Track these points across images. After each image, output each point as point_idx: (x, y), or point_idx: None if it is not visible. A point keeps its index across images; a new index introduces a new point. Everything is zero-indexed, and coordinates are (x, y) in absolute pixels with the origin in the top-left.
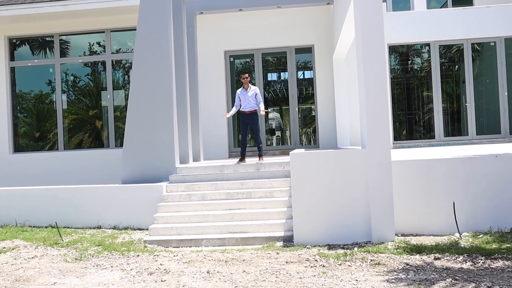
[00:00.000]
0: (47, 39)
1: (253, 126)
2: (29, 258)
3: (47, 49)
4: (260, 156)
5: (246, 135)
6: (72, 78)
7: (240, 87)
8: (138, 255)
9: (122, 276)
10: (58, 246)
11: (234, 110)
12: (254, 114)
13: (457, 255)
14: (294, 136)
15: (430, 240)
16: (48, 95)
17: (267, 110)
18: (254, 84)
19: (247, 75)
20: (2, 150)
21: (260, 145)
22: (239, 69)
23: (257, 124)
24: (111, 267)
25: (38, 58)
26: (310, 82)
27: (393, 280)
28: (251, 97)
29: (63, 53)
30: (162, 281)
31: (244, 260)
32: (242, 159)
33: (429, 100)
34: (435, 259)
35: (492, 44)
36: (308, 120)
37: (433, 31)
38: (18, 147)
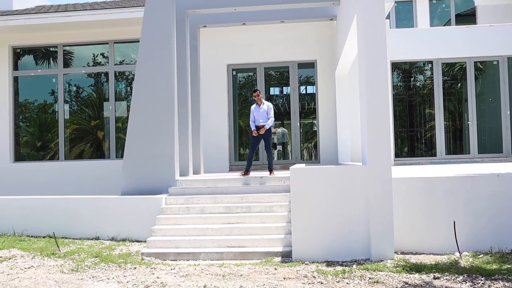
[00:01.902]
0: (51, 49)
1: (266, 140)
2: (25, 268)
3: (51, 59)
4: (270, 170)
5: (255, 149)
6: (74, 88)
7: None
8: (135, 268)
9: None
10: (55, 257)
11: (253, 126)
12: (267, 129)
13: (456, 275)
14: (295, 151)
15: (429, 259)
16: (50, 105)
17: (263, 130)
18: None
19: (258, 92)
20: (3, 159)
21: (271, 160)
22: (241, 83)
23: (270, 138)
24: (108, 279)
25: (41, 68)
26: (312, 97)
27: None
28: (263, 112)
29: (67, 64)
30: None
31: (241, 275)
32: (246, 172)
33: (431, 118)
34: (435, 278)
35: (495, 63)
36: (310, 135)
37: (436, 49)
38: (19, 156)
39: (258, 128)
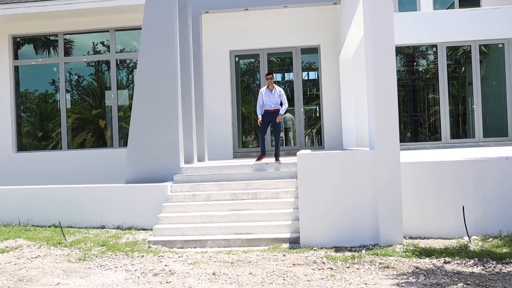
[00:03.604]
0: (51, 38)
1: (276, 125)
2: (32, 257)
3: (51, 48)
4: (277, 156)
5: (265, 132)
6: (76, 77)
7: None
8: (143, 256)
9: (127, 277)
10: (61, 246)
11: (260, 111)
12: (277, 112)
13: (467, 259)
14: (300, 137)
15: (439, 243)
16: (51, 95)
17: (280, 116)
18: (276, 83)
19: (271, 75)
20: (6, 149)
21: (279, 146)
22: (244, 69)
23: (280, 122)
24: (115, 267)
25: (42, 57)
26: (316, 83)
27: (403, 284)
28: (276, 97)
29: (67, 53)
30: (167, 282)
31: (250, 262)
32: (262, 156)
33: (435, 102)
34: (445, 262)
35: (500, 45)
36: (313, 121)
37: (440, 32)
38: (21, 146)
39: (267, 112)
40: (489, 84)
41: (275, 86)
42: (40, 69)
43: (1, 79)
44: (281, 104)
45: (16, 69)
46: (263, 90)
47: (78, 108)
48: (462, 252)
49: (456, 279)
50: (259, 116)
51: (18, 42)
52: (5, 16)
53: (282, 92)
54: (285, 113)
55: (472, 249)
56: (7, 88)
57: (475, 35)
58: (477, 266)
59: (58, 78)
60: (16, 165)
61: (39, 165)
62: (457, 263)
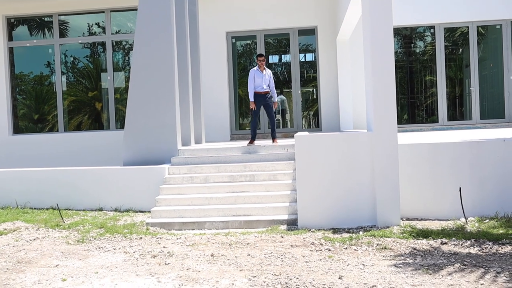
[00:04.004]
0: (45, 19)
1: (268, 107)
2: (30, 240)
3: (46, 29)
4: (274, 138)
5: (258, 116)
6: (71, 59)
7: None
8: (141, 238)
9: (125, 258)
10: (59, 228)
11: (251, 94)
12: (268, 94)
13: (464, 240)
14: (297, 119)
15: (435, 224)
16: (47, 77)
17: (276, 103)
18: (273, 65)
19: (263, 57)
20: (2, 131)
21: (275, 127)
22: (241, 51)
23: (272, 104)
24: (114, 249)
25: (36, 38)
26: (313, 64)
27: (401, 265)
28: (267, 78)
29: (62, 34)
30: (166, 264)
31: (248, 244)
32: (252, 141)
33: (432, 84)
34: (442, 243)
35: (498, 27)
36: (310, 103)
37: (438, 14)
38: (17, 129)
39: (259, 94)
40: (487, 66)
41: (265, 68)
42: (35, 51)
43: None
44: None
45: (11, 50)
46: (254, 71)
47: (74, 90)
48: (459, 233)
49: (453, 260)
50: (252, 99)
51: (12, 23)
52: None
53: (271, 75)
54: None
55: (468, 230)
56: (2, 70)
57: (473, 16)
58: (474, 247)
59: (54, 60)
60: (13, 148)
61: (35, 148)
62: (454, 244)
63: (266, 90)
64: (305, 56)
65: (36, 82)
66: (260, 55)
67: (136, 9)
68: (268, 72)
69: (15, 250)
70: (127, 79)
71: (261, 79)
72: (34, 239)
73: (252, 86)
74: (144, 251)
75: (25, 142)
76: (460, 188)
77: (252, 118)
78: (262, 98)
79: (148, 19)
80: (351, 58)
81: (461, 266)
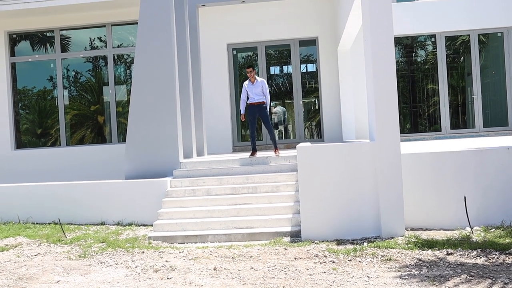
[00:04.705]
0: (47, 34)
1: (263, 118)
2: (32, 255)
3: (48, 44)
4: (276, 148)
5: (255, 127)
6: (73, 73)
7: (246, 79)
8: (143, 252)
9: (127, 273)
10: (61, 243)
11: (243, 106)
12: (262, 105)
13: (470, 250)
14: (299, 130)
15: (441, 234)
16: (49, 91)
17: (271, 107)
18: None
19: (251, 68)
20: (4, 146)
21: (275, 138)
22: (242, 63)
23: (268, 115)
24: (116, 264)
25: (38, 53)
26: (314, 75)
27: (406, 277)
28: (258, 89)
29: (64, 49)
30: (168, 278)
31: (251, 256)
32: (253, 152)
33: (434, 93)
34: (448, 254)
35: (499, 34)
36: (312, 114)
37: (439, 22)
38: (20, 144)
39: (252, 106)
40: (489, 74)
41: (257, 78)
42: (37, 65)
43: None
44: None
45: (13, 66)
46: (246, 83)
47: (76, 104)
48: (465, 243)
49: (460, 271)
50: (242, 111)
51: (14, 39)
52: (1, 13)
53: (265, 82)
54: (275, 106)
55: (474, 240)
56: (4, 85)
57: (474, 25)
58: (480, 257)
59: (56, 75)
60: (15, 163)
61: (38, 162)
62: (460, 255)
63: (260, 101)
64: (306, 66)
65: (40, 97)
66: (248, 66)
67: (137, 23)
68: (259, 81)
69: (16, 266)
70: (128, 92)
71: (250, 89)
72: (35, 255)
73: (242, 99)
74: (146, 265)
75: (27, 157)
76: (465, 197)
77: (250, 130)
78: (255, 108)
79: (148, 33)
80: (352, 68)
81: (468, 277)
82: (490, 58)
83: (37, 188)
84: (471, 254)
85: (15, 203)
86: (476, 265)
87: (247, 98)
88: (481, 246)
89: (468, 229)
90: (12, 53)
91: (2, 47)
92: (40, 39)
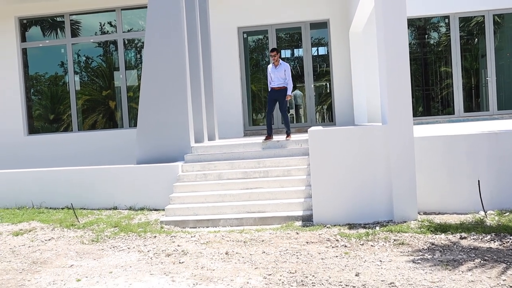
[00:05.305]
0: (57, 19)
1: (281, 103)
2: (46, 240)
3: (58, 29)
4: (288, 134)
5: (272, 112)
6: (84, 59)
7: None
8: (155, 236)
9: (140, 257)
10: (74, 228)
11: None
12: (283, 90)
13: (484, 234)
14: (310, 114)
15: (454, 218)
16: (61, 77)
17: (290, 96)
18: (285, 60)
19: (275, 52)
20: (17, 132)
21: (288, 123)
22: (252, 47)
23: (286, 101)
24: (128, 248)
25: (49, 39)
26: (326, 58)
27: (419, 261)
28: (281, 73)
29: (74, 34)
30: (180, 262)
31: (263, 241)
32: (269, 137)
33: (448, 75)
34: (461, 238)
35: None
36: (324, 97)
37: (452, 3)
38: (32, 129)
39: (273, 90)
40: (503, 56)
41: (281, 61)
42: (48, 51)
43: (9, 62)
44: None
45: (24, 51)
46: (269, 66)
47: (88, 89)
48: (478, 227)
49: (473, 255)
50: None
51: (25, 24)
52: None
53: (288, 68)
54: (293, 90)
55: (488, 224)
56: (15, 71)
57: (489, 5)
58: (494, 242)
59: (67, 60)
60: (29, 148)
61: (51, 148)
62: (473, 239)
63: (281, 86)
64: (317, 49)
65: (51, 83)
66: (272, 49)
67: (147, 7)
68: (283, 65)
69: (30, 251)
70: (139, 77)
71: (273, 74)
72: (49, 239)
73: (269, 82)
74: (158, 250)
75: (40, 142)
76: (478, 181)
77: (267, 114)
78: (276, 93)
79: (158, 16)
80: (364, 50)
81: (482, 262)
82: (505, 40)
83: (50, 173)
84: (485, 238)
85: (28, 189)
86: (490, 249)
87: (270, 82)
88: (495, 230)
89: (482, 213)
90: (23, 39)
91: (13, 32)
92: (50, 24)
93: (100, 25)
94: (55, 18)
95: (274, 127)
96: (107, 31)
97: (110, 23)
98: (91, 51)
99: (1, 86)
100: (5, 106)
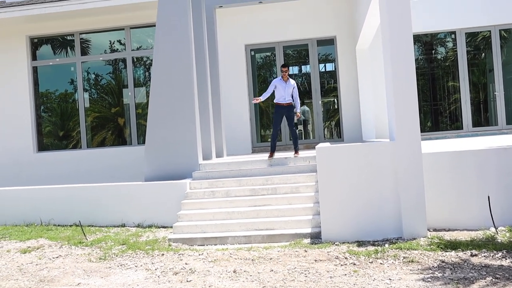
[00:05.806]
0: (67, 38)
1: (289, 119)
2: (53, 257)
3: (68, 48)
4: (296, 150)
5: (278, 128)
6: (93, 76)
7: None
8: (163, 254)
9: (147, 276)
10: (82, 245)
11: (265, 96)
12: (291, 106)
13: (495, 251)
14: (318, 130)
15: (464, 235)
16: (71, 94)
17: (299, 114)
18: (292, 76)
19: (287, 68)
20: (27, 149)
21: (297, 139)
22: (259, 64)
23: (293, 115)
24: (136, 266)
25: (59, 57)
26: (333, 74)
27: (429, 279)
28: (290, 89)
29: (84, 52)
30: (187, 281)
31: (271, 259)
32: (272, 153)
33: (455, 90)
34: (472, 255)
35: None
36: (332, 113)
37: (458, 19)
38: (42, 146)
39: (281, 106)
40: (511, 70)
41: (289, 78)
42: (59, 69)
43: (20, 80)
44: (293, 97)
45: (35, 69)
46: (277, 80)
47: (97, 106)
48: (489, 244)
49: (485, 273)
50: (261, 98)
51: (35, 43)
52: (22, 18)
53: (295, 85)
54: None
55: (499, 240)
56: (26, 89)
57: (495, 20)
58: (506, 259)
59: (76, 78)
60: (38, 165)
61: (60, 165)
62: (484, 256)
63: (289, 102)
64: (325, 66)
65: (61, 100)
66: (284, 65)
67: (155, 25)
68: (291, 82)
69: (38, 269)
70: (148, 94)
71: (283, 89)
72: (57, 257)
73: (268, 91)
74: (166, 268)
75: (49, 159)
76: (488, 197)
77: (273, 129)
78: (284, 109)
79: (166, 35)
80: (371, 66)
81: (493, 280)
82: (511, 54)
83: (59, 190)
84: (496, 256)
85: (37, 206)
86: (501, 267)
87: (271, 93)
88: (506, 247)
89: (493, 229)
90: (34, 57)
91: (23, 51)
92: (60, 43)
93: (110, 44)
94: (65, 37)
95: (282, 143)
96: (116, 49)
97: (119, 41)
98: (100, 68)
99: (12, 104)
100: (16, 124)
